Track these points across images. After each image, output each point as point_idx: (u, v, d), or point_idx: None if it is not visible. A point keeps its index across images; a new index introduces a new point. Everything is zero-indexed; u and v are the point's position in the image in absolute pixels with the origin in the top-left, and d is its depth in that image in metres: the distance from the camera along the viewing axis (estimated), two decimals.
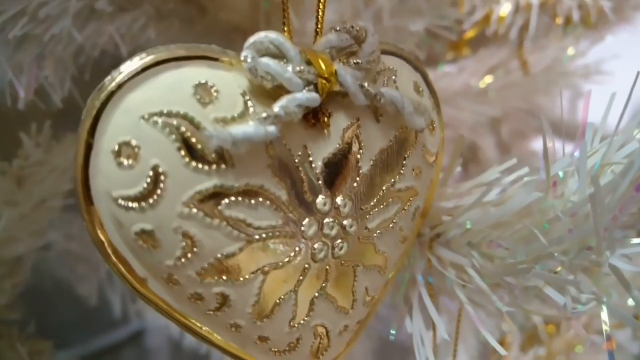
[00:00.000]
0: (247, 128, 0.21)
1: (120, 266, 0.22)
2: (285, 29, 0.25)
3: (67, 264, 0.64)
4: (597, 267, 0.29)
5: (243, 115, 0.22)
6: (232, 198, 0.22)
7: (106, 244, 0.22)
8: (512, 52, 0.63)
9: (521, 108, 0.67)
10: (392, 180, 0.27)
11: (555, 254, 0.28)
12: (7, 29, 0.35)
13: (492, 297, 0.30)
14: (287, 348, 0.26)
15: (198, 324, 0.24)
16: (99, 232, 0.22)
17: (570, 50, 0.64)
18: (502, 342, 0.67)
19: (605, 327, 0.28)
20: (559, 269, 0.29)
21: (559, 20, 0.59)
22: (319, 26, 0.26)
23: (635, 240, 0.28)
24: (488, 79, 0.62)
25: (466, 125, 0.63)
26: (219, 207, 0.22)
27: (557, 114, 0.71)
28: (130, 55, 0.22)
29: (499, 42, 0.62)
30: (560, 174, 0.29)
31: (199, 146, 0.21)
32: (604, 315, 0.28)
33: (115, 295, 0.66)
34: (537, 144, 0.77)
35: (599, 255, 0.26)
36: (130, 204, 0.21)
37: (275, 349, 0.26)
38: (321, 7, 0.27)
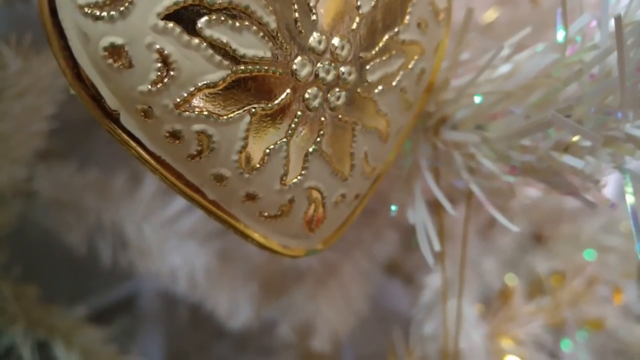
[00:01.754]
0: None
1: (89, 95, 0.20)
2: None
3: (55, 213, 0.61)
4: (614, 140, 0.26)
5: None
6: (213, 16, 0.20)
7: (72, 66, 0.19)
8: None
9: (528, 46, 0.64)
10: (396, 29, 0.24)
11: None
12: None
13: (500, 175, 0.27)
14: (279, 212, 0.24)
15: (176, 172, 0.22)
16: (64, 52, 0.19)
17: None
18: (505, 291, 0.65)
19: (629, 198, 0.26)
20: (575, 138, 0.26)
21: None
22: None
23: None
24: (495, 13, 0.59)
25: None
26: (199, 25, 0.19)
27: None
28: None
29: None
30: (578, 38, 0.27)
31: None
32: (629, 188, 0.26)
33: (105, 244, 0.63)
34: None
35: (623, 107, 0.23)
36: (98, 12, 0.19)
37: (266, 213, 0.23)
38: None
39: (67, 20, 0.19)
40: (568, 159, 0.25)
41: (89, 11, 0.19)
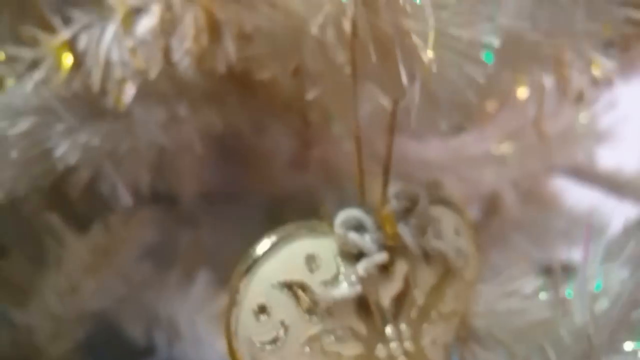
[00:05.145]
0: (344, 290, 0.31)
1: None
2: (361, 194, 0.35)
3: (117, 305, 0.70)
4: None
5: (337, 276, 0.32)
6: (332, 337, 0.31)
7: None
8: (528, 118, 0.68)
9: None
10: (440, 307, 0.36)
11: None
12: None
13: None
14: None
15: None
16: None
17: (583, 118, 0.70)
18: None
19: None
20: None
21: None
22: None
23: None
24: (507, 147, 0.69)
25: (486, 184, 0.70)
26: (323, 346, 0.31)
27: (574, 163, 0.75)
28: None
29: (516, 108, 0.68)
30: (568, 292, 0.38)
31: (311, 305, 0.31)
32: None
33: (161, 336, 0.71)
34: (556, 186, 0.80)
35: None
36: (266, 347, 0.31)
37: None
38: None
39: (244, 349, 0.31)
40: None
41: (260, 346, 0.31)
